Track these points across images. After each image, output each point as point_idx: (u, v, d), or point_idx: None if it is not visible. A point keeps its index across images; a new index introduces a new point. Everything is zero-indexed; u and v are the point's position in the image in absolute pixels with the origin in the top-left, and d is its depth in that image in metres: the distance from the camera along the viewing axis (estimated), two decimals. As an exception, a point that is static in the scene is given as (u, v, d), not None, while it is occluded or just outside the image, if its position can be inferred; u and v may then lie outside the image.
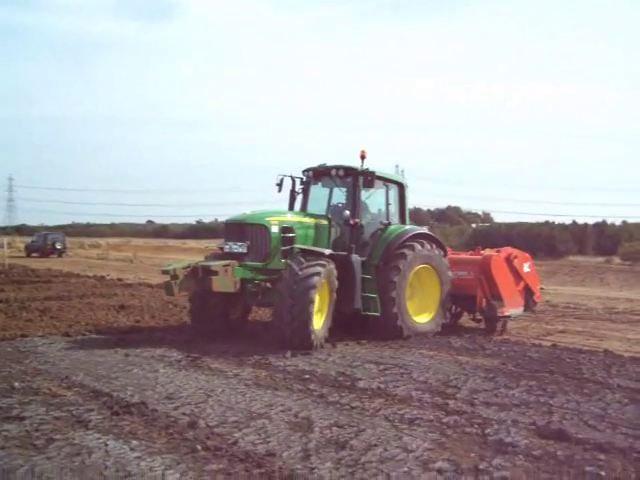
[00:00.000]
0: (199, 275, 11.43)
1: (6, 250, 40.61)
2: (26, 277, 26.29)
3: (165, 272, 11.59)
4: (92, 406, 7.36)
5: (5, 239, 49.15)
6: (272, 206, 13.77)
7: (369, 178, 12.54)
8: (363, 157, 12.66)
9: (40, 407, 7.25)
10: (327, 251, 11.93)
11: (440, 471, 5.44)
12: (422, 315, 13.22)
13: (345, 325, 12.58)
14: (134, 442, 6.10)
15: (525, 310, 14.64)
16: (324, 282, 11.44)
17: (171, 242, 77.30)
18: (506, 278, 13.94)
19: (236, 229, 12.34)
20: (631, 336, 13.62)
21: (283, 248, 12.01)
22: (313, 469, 5.46)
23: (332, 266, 11.66)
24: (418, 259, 12.97)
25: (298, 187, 13.91)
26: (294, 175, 13.84)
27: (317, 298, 11.26)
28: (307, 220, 12.85)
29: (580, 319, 16.46)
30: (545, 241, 54.19)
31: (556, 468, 5.57)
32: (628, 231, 55.86)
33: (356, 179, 12.77)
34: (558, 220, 64.04)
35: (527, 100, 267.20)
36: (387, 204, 13.51)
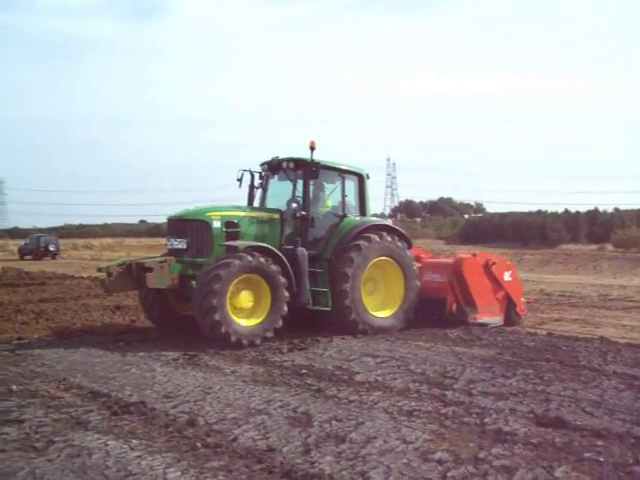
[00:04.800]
0: (134, 272, 11.50)
1: (-1, 253, 40.51)
2: (20, 280, 26.14)
3: (99, 270, 11.95)
4: (91, 407, 7.35)
5: (-2, 242, 49.08)
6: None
7: (313, 169, 12.26)
8: (312, 148, 12.34)
9: (39, 409, 7.23)
10: (242, 244, 11.45)
11: (440, 462, 5.46)
12: (384, 310, 12.83)
13: (306, 321, 12.42)
14: (134, 441, 6.10)
15: (506, 322, 13.52)
16: (251, 278, 11.17)
17: (164, 241, 76.93)
18: (481, 283, 13.33)
19: (177, 225, 12.21)
20: (626, 322, 13.69)
21: (226, 244, 11.63)
22: (314, 463, 5.47)
23: (265, 261, 11.26)
24: (376, 251, 12.59)
25: (258, 182, 13.69)
26: (253, 170, 13.64)
27: (241, 297, 11.12)
28: (255, 214, 12.59)
29: (575, 307, 16.55)
30: (537, 230, 54.40)
31: (555, 455, 5.60)
32: (620, 218, 56.06)
33: (306, 171, 12.49)
34: (550, 209, 64.14)
35: (518, 90, 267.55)
36: (343, 196, 13.07)
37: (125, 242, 75.40)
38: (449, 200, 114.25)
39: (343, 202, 13.06)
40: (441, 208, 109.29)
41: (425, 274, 13.47)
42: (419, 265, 13.59)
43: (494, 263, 13.57)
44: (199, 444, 5.95)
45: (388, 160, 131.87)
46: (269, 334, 11.25)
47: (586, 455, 5.59)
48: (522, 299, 14.07)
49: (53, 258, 52.19)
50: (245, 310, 11.28)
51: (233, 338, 10.80)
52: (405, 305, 12.91)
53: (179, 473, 5.28)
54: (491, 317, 13.36)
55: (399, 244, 12.97)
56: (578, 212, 60.26)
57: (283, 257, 11.63)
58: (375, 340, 11.66)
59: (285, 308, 11.42)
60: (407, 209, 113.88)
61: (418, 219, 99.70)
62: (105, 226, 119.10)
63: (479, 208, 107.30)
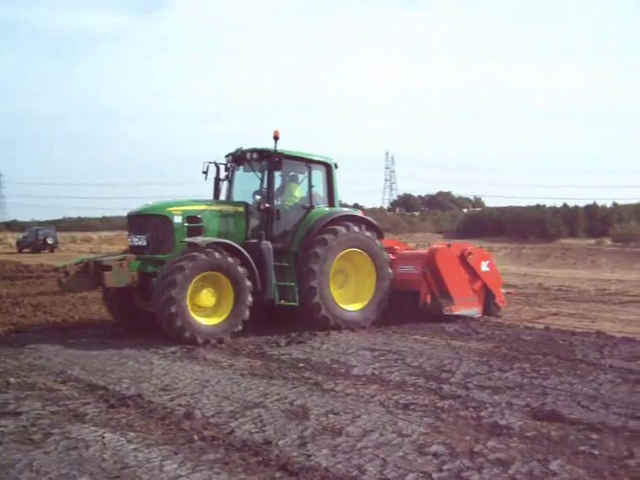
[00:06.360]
0: (91, 271, 11.22)
1: (-3, 246, 40.50)
2: (18, 273, 26.21)
3: (57, 270, 11.52)
4: (88, 400, 7.37)
5: (-4, 235, 49.07)
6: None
7: (276, 160, 11.91)
8: (276, 138, 11.91)
9: (36, 402, 7.26)
10: (204, 240, 11.06)
11: (436, 455, 5.48)
12: (355, 303, 12.52)
13: (275, 316, 12.23)
14: (131, 434, 6.12)
15: (485, 313, 13.30)
16: (213, 276, 10.90)
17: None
18: (457, 274, 12.94)
19: (137, 221, 11.85)
20: (623, 317, 13.68)
21: (187, 240, 11.23)
22: (310, 456, 5.49)
23: (227, 258, 10.96)
24: (343, 243, 12.22)
25: (223, 174, 13.27)
26: (218, 161, 13.16)
27: (202, 295, 10.86)
28: (218, 208, 12.21)
29: (572, 301, 16.54)
30: (536, 224, 54.47)
31: (550, 449, 5.61)
32: (618, 213, 56.17)
33: (270, 162, 12.08)
34: (549, 203, 64.22)
35: (514, 84, 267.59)
36: (310, 186, 12.60)
37: (124, 235, 75.14)
38: (448, 194, 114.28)
39: (310, 193, 12.66)
40: (440, 202, 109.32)
41: (399, 266, 13.17)
42: (393, 257, 13.35)
43: (470, 253, 13.19)
44: (196, 437, 5.97)
45: (387, 154, 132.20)
46: (231, 333, 11.00)
47: (581, 448, 5.60)
48: (501, 290, 13.84)
49: (51, 251, 52.27)
50: (207, 308, 11.04)
51: (188, 334, 10.54)
52: (377, 297, 12.60)
53: (176, 466, 5.30)
54: (468, 309, 13.05)
55: (368, 234, 12.63)
56: (577, 206, 60.32)
57: (246, 253, 11.32)
58: (372, 333, 11.68)
59: (248, 305, 11.15)
60: (406, 203, 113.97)
61: (417, 213, 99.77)
62: (105, 219, 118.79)
63: (478, 202, 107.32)
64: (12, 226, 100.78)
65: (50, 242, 53.64)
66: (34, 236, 53.90)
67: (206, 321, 10.94)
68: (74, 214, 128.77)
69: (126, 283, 11.15)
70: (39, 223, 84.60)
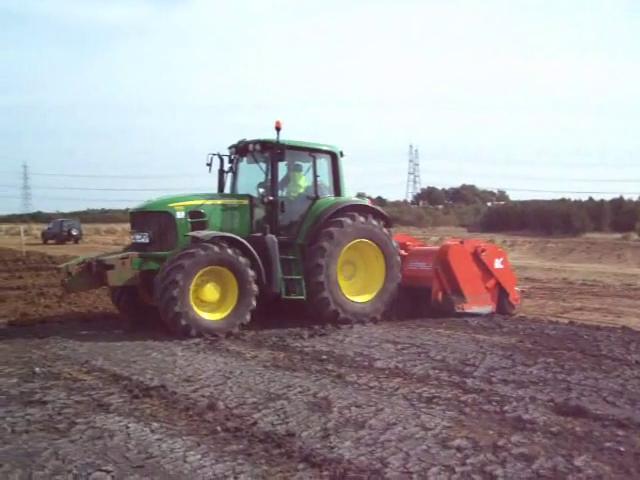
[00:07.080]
0: (94, 270, 11.07)
1: (23, 237, 40.90)
2: (43, 264, 26.41)
3: (59, 269, 11.45)
4: (112, 390, 7.42)
5: (22, 227, 49.58)
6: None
7: (278, 151, 11.68)
8: (278, 129, 11.71)
9: (61, 391, 7.33)
10: (207, 234, 10.90)
11: (459, 449, 5.45)
12: (365, 294, 12.32)
13: (282, 310, 12.06)
14: (155, 424, 6.15)
15: (499, 311, 13.00)
16: (217, 270, 10.78)
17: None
18: (469, 272, 12.72)
19: (140, 218, 11.71)
20: (649, 312, 13.54)
21: (190, 234, 11.07)
22: (333, 448, 5.48)
23: (232, 252, 10.83)
24: (349, 235, 11.98)
25: (227, 166, 13.08)
26: (222, 153, 13.00)
27: (206, 289, 10.76)
28: (222, 202, 12.01)
29: (597, 296, 16.39)
30: (561, 218, 54.09)
31: (575, 444, 5.56)
32: (645, 207, 55.51)
33: (272, 153, 11.87)
34: (574, 197, 63.70)
35: (543, 76, 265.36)
36: (315, 176, 12.27)
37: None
38: (472, 187, 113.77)
39: (315, 183, 12.33)
40: (463, 195, 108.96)
41: (411, 262, 13.05)
42: (405, 253, 13.22)
43: (483, 250, 12.95)
44: (219, 428, 5.98)
45: (411, 147, 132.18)
46: (235, 329, 10.85)
47: (607, 445, 5.54)
48: (516, 288, 13.59)
49: (76, 242, 52.72)
50: (211, 303, 10.92)
51: (194, 332, 10.45)
52: (387, 287, 12.41)
53: (199, 456, 5.32)
54: (480, 306, 12.82)
55: (375, 223, 12.38)
56: (602, 200, 59.84)
57: (250, 247, 11.15)
58: (396, 327, 11.64)
59: (254, 302, 11.02)
60: (429, 196, 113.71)
61: (440, 206, 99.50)
62: (127, 211, 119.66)
63: (502, 196, 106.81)
64: (37, 217, 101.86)
65: (74, 233, 54.15)
66: (59, 227, 54.45)
67: (211, 316, 10.84)
68: (97, 206, 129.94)
69: (129, 281, 11.09)
70: (63, 215, 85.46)
